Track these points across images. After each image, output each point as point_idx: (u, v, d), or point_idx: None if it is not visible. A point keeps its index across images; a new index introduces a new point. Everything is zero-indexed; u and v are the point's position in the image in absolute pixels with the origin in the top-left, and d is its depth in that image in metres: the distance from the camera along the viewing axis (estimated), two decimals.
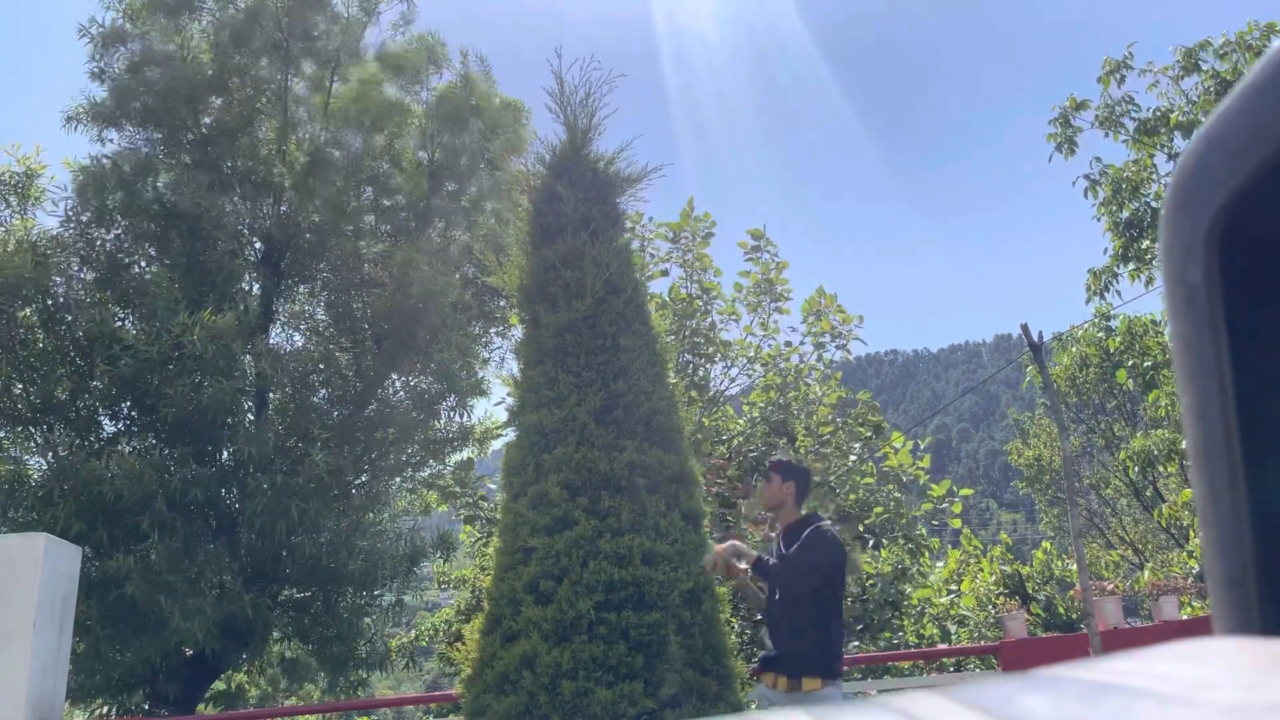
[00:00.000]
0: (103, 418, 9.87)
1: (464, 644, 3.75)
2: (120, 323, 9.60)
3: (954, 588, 11.88)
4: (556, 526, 3.53)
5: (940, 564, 12.46)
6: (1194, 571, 12.75)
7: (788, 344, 11.52)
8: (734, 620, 8.09)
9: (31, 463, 9.57)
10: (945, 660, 9.33)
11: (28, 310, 9.46)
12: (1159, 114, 12.10)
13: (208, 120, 10.77)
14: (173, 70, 10.23)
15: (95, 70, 10.59)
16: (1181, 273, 0.45)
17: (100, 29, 10.56)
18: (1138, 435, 14.84)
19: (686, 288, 11.03)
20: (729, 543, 3.96)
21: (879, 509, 10.43)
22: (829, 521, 4.07)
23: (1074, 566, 12.04)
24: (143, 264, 10.31)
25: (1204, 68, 11.77)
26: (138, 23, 10.62)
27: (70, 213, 9.97)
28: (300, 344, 11.49)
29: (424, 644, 13.31)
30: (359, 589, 10.26)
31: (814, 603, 3.75)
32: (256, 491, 9.00)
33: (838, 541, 3.91)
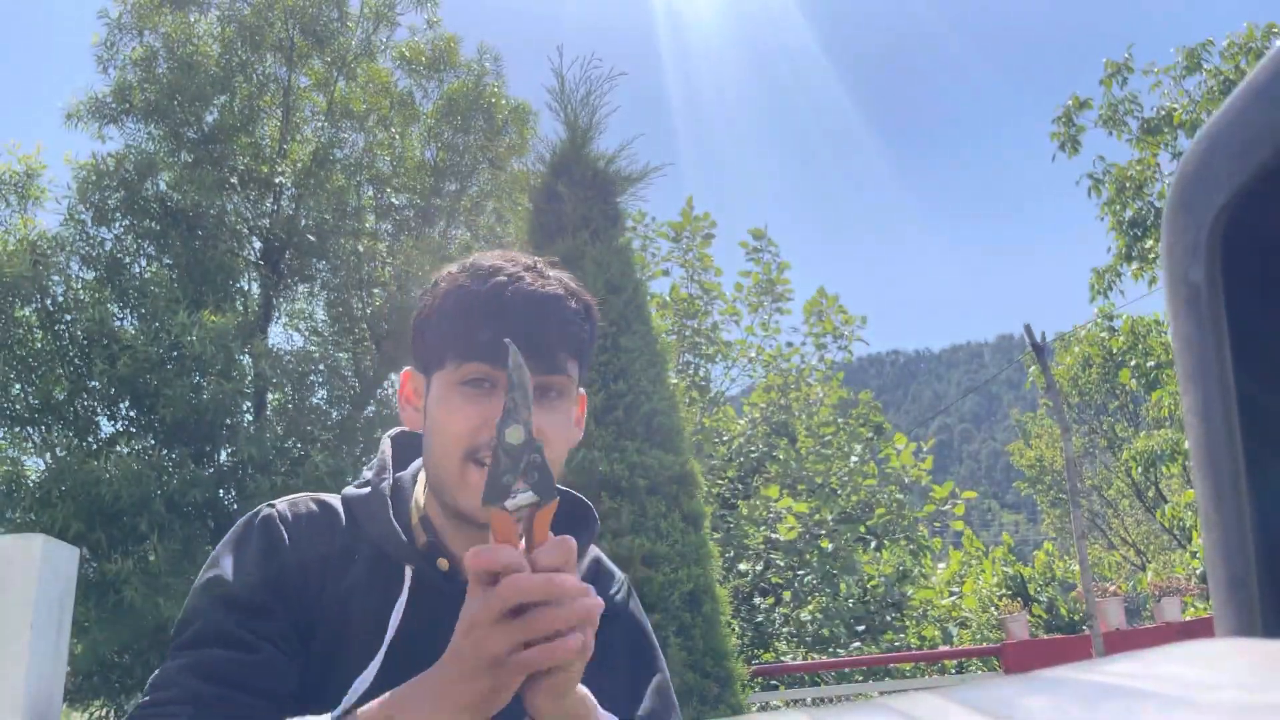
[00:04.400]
0: (101, 418, 9.88)
1: None
2: (119, 322, 9.60)
3: (956, 589, 11.88)
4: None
5: (942, 565, 12.46)
6: (1196, 572, 12.75)
7: (789, 344, 11.53)
8: (735, 622, 8.10)
9: (29, 463, 9.57)
10: (947, 662, 9.33)
11: (26, 310, 9.47)
12: (1162, 113, 12.10)
13: (210, 118, 10.78)
14: (180, 65, 10.25)
15: (101, 58, 10.61)
16: (1183, 272, 0.45)
17: (108, 21, 10.60)
18: (1140, 436, 14.84)
19: (687, 288, 11.04)
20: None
21: (880, 510, 10.43)
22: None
23: (1076, 568, 12.03)
24: (142, 263, 10.33)
25: (1207, 67, 11.78)
26: (145, 17, 10.65)
27: (71, 211, 9.98)
28: (300, 344, 11.51)
29: None
30: None
31: None
32: (255, 493, 9.01)
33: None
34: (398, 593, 1.04)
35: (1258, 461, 0.43)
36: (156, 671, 0.99)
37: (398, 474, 1.12)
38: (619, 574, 1.22)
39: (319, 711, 0.98)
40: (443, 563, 1.05)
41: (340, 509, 1.09)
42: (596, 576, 1.18)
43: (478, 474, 0.97)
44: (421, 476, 1.11)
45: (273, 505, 1.09)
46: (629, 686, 1.13)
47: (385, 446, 1.16)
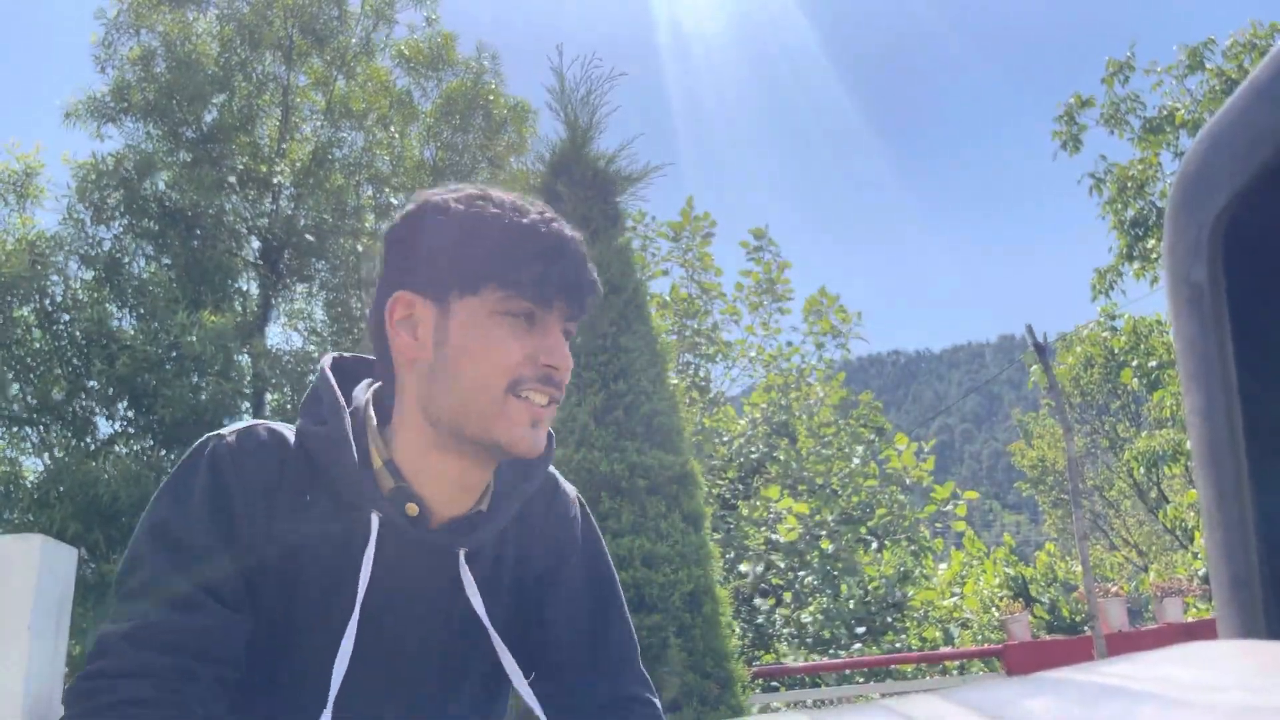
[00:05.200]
0: (99, 418, 9.88)
1: None
2: (118, 322, 9.61)
3: (957, 590, 11.87)
4: None
5: (943, 566, 12.46)
6: (1199, 573, 12.74)
7: (789, 344, 11.53)
8: (735, 623, 8.10)
9: (27, 463, 9.58)
10: (948, 663, 9.32)
11: (25, 309, 9.47)
12: (1164, 112, 12.10)
13: (209, 117, 10.79)
14: (179, 64, 10.27)
15: (99, 58, 10.62)
16: (1185, 272, 0.45)
17: (105, 21, 10.61)
18: (1142, 436, 14.84)
19: (687, 287, 11.04)
20: None
21: (881, 511, 10.43)
22: None
23: (1078, 568, 12.03)
24: (141, 262, 10.33)
25: (1209, 66, 11.78)
26: (143, 16, 10.66)
27: (70, 210, 9.99)
28: (299, 344, 11.51)
29: None
30: None
31: None
32: None
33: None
34: (361, 539, 0.98)
35: (1260, 462, 0.43)
36: (100, 635, 0.93)
37: (352, 409, 1.04)
38: (572, 492, 1.19)
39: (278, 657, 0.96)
40: (411, 508, 1.00)
41: (293, 441, 1.01)
42: (554, 496, 1.15)
43: (519, 406, 0.96)
44: (364, 409, 1.04)
45: (221, 437, 1.01)
46: (590, 616, 1.12)
47: (329, 377, 1.05)
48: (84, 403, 9.72)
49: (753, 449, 10.80)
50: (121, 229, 10.26)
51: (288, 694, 0.99)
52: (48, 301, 9.51)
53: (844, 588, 9.45)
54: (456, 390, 0.97)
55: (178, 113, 10.45)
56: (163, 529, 0.96)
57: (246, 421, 1.04)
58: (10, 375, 9.36)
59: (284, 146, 11.04)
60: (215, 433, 1.02)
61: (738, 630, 8.44)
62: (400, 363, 1.01)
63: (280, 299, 11.40)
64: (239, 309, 10.46)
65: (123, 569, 0.97)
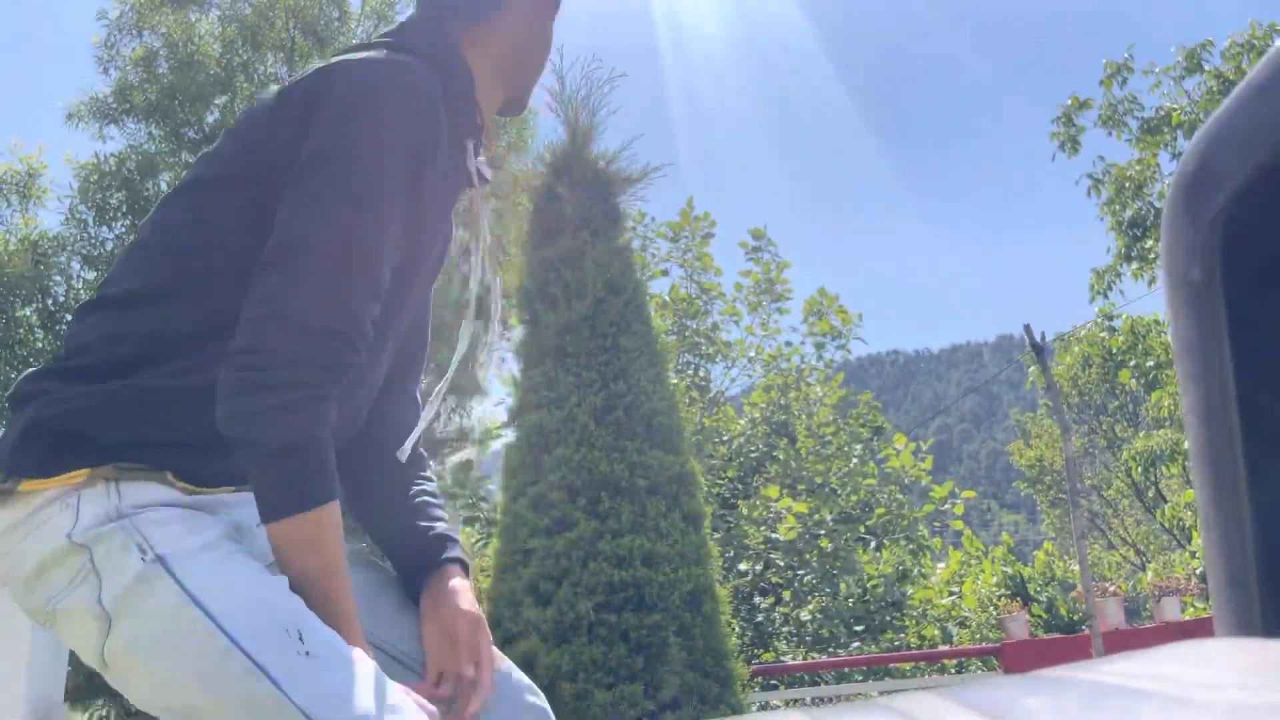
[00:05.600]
0: None
1: None
2: None
3: (955, 589, 11.87)
4: (556, 528, 3.53)
5: (942, 565, 12.45)
6: (1196, 572, 12.75)
7: (788, 344, 11.53)
8: (735, 622, 8.09)
9: None
10: (947, 661, 9.32)
11: (27, 310, 9.47)
12: (1162, 113, 12.10)
13: (211, 118, 10.79)
14: (181, 65, 10.27)
15: (101, 59, 10.61)
16: (1183, 272, 0.45)
17: (107, 21, 10.60)
18: (1140, 436, 14.83)
19: (686, 288, 11.04)
20: None
21: (880, 510, 10.43)
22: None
23: (1076, 567, 12.03)
24: None
25: (1206, 67, 11.77)
26: (145, 17, 10.66)
27: (73, 211, 9.99)
28: None
29: None
30: None
31: None
32: None
33: None
34: (462, 164, 1.17)
35: (1257, 461, 0.43)
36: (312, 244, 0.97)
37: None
38: None
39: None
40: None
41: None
42: None
43: None
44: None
45: (415, 78, 1.01)
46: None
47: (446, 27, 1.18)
48: None
49: (752, 449, 10.79)
50: (124, 229, 10.26)
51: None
52: (50, 302, 9.52)
53: (843, 586, 9.45)
54: (524, 58, 1.23)
55: (180, 113, 10.44)
56: (390, 173, 0.99)
57: (370, 55, 1.05)
58: (13, 375, 9.37)
59: None
60: (404, 68, 1.02)
61: (737, 629, 8.44)
62: (518, 12, 1.21)
63: None
64: None
65: (333, 182, 0.99)
